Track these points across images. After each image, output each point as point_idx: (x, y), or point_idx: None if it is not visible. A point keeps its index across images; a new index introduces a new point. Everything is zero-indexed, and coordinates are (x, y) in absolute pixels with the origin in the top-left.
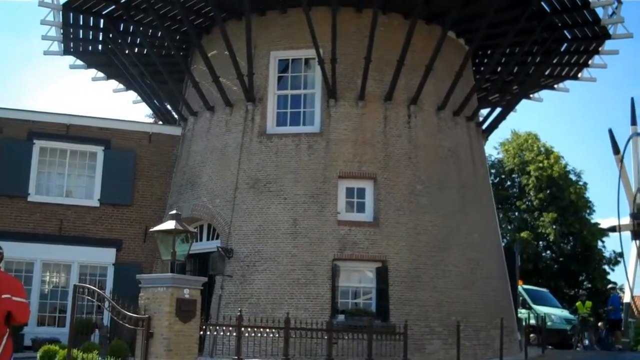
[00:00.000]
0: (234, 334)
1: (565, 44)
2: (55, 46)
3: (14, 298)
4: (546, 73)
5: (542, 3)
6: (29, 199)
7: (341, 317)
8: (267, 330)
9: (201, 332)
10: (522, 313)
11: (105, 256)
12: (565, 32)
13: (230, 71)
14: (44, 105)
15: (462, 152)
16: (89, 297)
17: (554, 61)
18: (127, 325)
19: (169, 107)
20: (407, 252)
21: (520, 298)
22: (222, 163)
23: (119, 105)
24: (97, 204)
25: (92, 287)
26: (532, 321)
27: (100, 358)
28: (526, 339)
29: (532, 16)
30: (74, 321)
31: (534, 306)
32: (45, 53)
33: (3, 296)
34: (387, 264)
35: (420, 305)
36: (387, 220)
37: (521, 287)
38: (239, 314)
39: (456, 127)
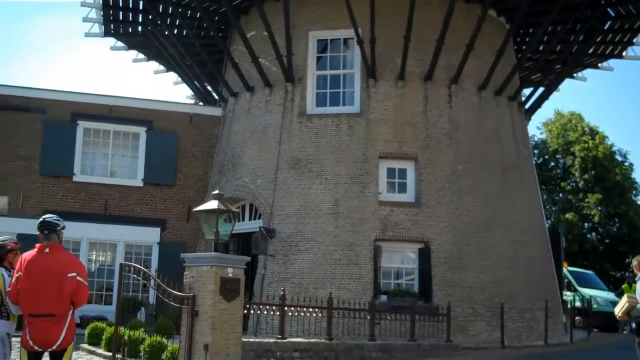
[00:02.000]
0: (277, 313)
1: (609, 22)
2: (96, 28)
3: (78, 278)
4: (590, 52)
5: None
6: (74, 179)
7: (384, 297)
8: (310, 309)
9: (245, 311)
10: (567, 295)
11: (150, 235)
12: (609, 9)
13: (269, 52)
14: (86, 87)
15: (504, 133)
16: (135, 276)
17: (598, 39)
18: (172, 303)
19: (209, 88)
20: (449, 233)
21: (565, 280)
22: (263, 143)
23: (161, 86)
24: (141, 184)
25: (137, 265)
26: (578, 304)
27: (146, 335)
28: (571, 321)
29: None
30: (120, 299)
31: (579, 288)
32: (87, 35)
33: (69, 275)
34: (430, 245)
35: (463, 286)
36: (429, 201)
37: (566, 269)
38: (282, 293)
39: (498, 107)
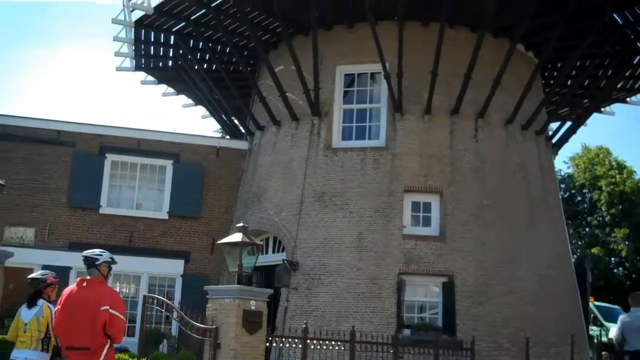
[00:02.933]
0: (300, 346)
1: (638, 57)
2: (127, 62)
3: (112, 310)
4: (618, 86)
5: (615, 15)
6: (101, 211)
7: (407, 331)
8: (333, 343)
9: (267, 344)
10: (594, 330)
11: (174, 267)
12: (638, 44)
13: (296, 85)
14: (115, 120)
15: (531, 167)
16: (158, 307)
17: (627, 74)
18: (194, 335)
19: (236, 121)
20: (474, 267)
21: (592, 315)
22: (288, 177)
23: (188, 120)
24: (166, 217)
25: (160, 297)
26: (604, 339)
27: None
28: (598, 357)
29: (604, 28)
30: (143, 331)
31: (605, 323)
32: (118, 69)
33: (102, 307)
34: (454, 279)
35: (488, 320)
36: (454, 234)
37: (592, 303)
38: (304, 326)
39: (525, 141)
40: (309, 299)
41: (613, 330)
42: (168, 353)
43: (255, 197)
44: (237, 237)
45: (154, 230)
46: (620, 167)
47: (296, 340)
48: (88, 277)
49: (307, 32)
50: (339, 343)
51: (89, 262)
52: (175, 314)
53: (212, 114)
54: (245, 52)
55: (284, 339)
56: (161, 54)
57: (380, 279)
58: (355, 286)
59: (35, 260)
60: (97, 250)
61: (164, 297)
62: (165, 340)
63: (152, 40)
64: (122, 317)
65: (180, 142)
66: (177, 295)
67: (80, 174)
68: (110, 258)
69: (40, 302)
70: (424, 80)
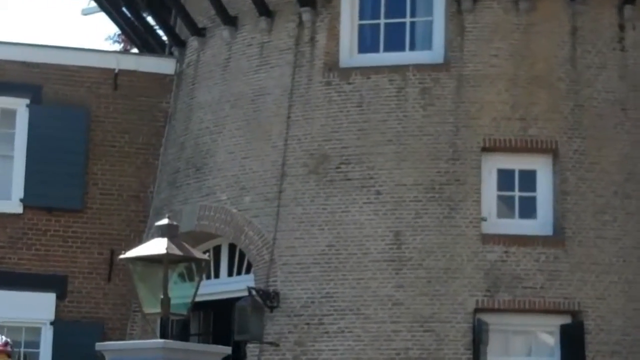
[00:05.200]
0: None
1: None
2: None
3: None
4: None
5: None
6: None
7: None
8: None
9: None
10: None
11: (37, 308)
12: None
13: None
14: None
15: None
16: None
17: None
18: None
19: (149, 21)
20: (621, 295)
21: None
22: (256, 126)
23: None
24: (19, 209)
25: None
26: None
27: None
28: None
29: None
30: None
31: None
32: None
33: None
34: (583, 319)
35: None
36: (581, 233)
37: None
38: None
39: None
40: None
41: None
42: None
43: (191, 168)
44: (158, 246)
45: None
46: None
47: None
48: None
49: None
50: None
51: None
52: None
53: (105, 9)
54: None
55: None
56: None
57: (438, 322)
58: (390, 337)
59: None
60: None
61: None
62: None
63: None
64: None
65: (44, 64)
66: None
67: None
68: None
69: None
70: None
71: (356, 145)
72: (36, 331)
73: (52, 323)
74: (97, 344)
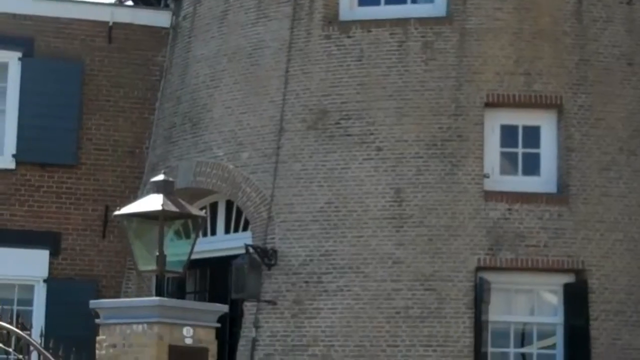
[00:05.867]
0: None
1: None
2: None
3: None
4: None
5: None
6: None
7: None
8: None
9: None
10: None
11: (30, 265)
12: None
13: None
14: None
15: None
16: (0, 344)
17: None
18: None
19: None
20: (626, 254)
21: None
22: (253, 81)
23: None
24: (12, 165)
25: (4, 324)
26: None
27: None
28: None
29: None
30: None
31: None
32: None
33: None
34: (587, 277)
35: None
36: (585, 190)
37: None
38: None
39: None
40: (300, 323)
41: None
42: None
43: (187, 123)
44: (153, 202)
45: None
46: None
47: None
48: None
49: None
50: None
51: None
52: (35, 357)
53: None
54: None
55: None
56: None
57: (440, 281)
58: (390, 296)
59: None
60: None
61: (11, 323)
62: None
63: None
64: None
65: (37, 16)
66: (38, 319)
67: None
68: None
69: None
70: None
71: (356, 100)
72: (29, 289)
73: (45, 280)
74: (91, 301)
